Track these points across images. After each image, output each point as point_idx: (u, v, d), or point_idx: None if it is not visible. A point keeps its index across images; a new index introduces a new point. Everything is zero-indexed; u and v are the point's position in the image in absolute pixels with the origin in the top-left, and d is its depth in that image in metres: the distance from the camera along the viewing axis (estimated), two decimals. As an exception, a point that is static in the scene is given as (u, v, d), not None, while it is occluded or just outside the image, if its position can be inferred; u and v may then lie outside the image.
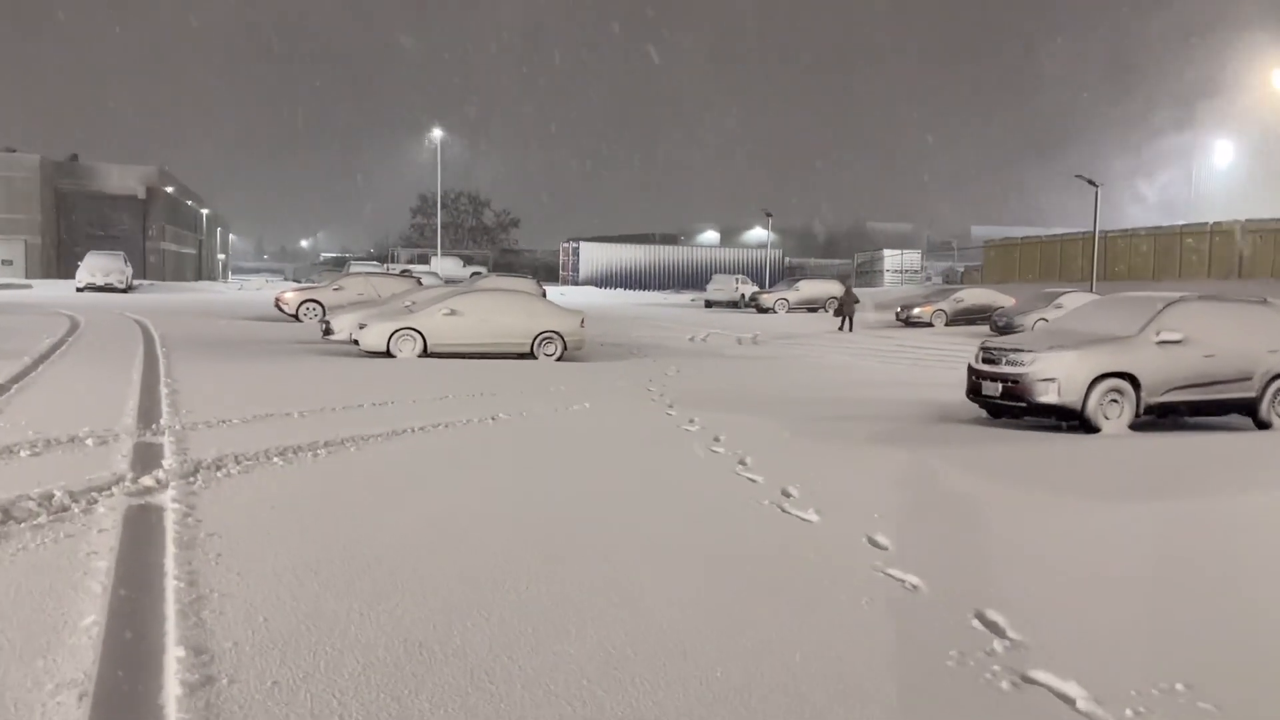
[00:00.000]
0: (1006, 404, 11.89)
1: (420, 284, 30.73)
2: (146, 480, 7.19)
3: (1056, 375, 11.36)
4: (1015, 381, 11.61)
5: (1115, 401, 11.42)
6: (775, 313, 42.51)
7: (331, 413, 10.84)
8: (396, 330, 18.34)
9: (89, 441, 8.67)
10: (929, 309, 34.18)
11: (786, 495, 7.55)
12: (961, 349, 25.79)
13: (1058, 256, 43.01)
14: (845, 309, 33.44)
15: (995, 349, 12.35)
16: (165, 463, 7.88)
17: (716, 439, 9.95)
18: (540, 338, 19.19)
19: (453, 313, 18.70)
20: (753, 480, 8.13)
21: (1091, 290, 33.81)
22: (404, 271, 45.71)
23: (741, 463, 8.82)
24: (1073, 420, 11.45)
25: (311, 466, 8.35)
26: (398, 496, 7.39)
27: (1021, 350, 11.88)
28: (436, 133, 54.22)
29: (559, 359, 19.18)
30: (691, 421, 11.05)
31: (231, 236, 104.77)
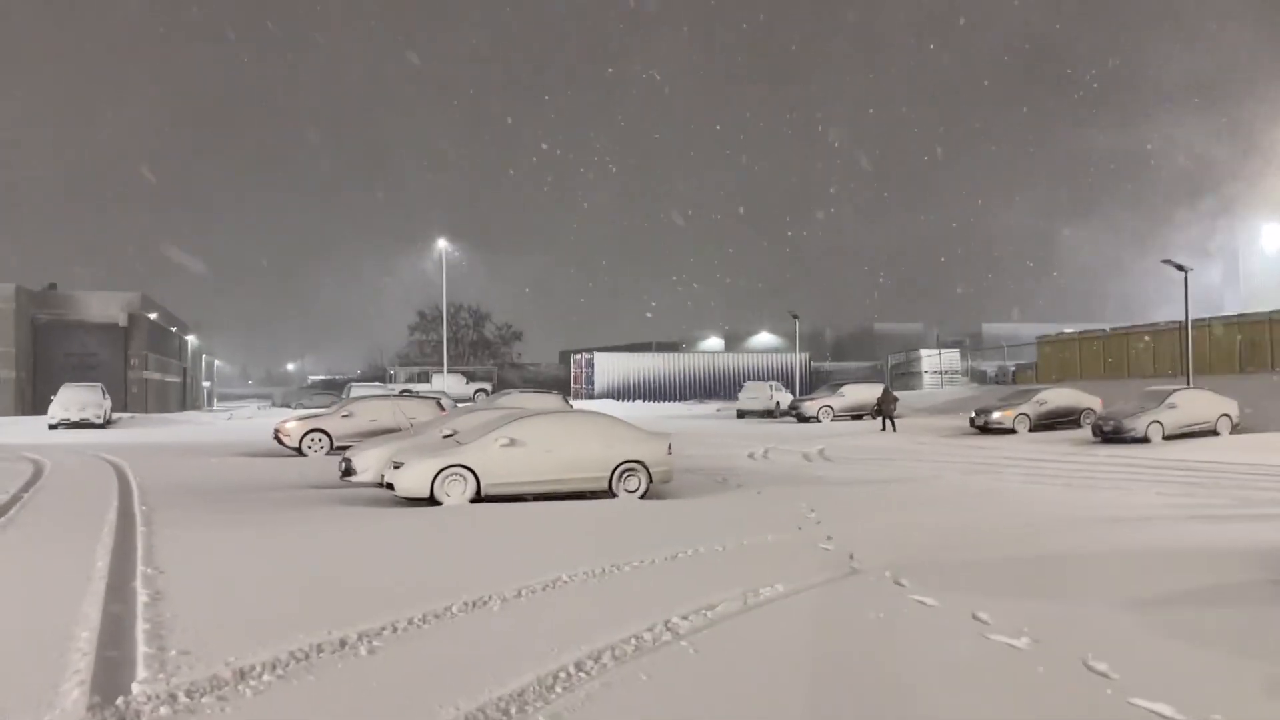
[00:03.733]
0: None
1: (441, 406, 26.90)
2: None
3: None
4: None
5: None
6: (819, 421, 38.87)
7: (410, 632, 6.76)
8: (443, 469, 14.33)
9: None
10: (1010, 413, 30.47)
11: None
12: (1088, 461, 22.15)
13: (1124, 351, 39.56)
14: (885, 409, 33.96)
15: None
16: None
17: (1091, 667, 5.93)
18: (621, 470, 15.21)
19: (512, 442, 14.73)
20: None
21: (1189, 384, 30.27)
22: (404, 391, 41.91)
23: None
24: None
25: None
26: None
27: None
28: (441, 243, 51.11)
29: (643, 496, 15.19)
30: (979, 620, 7.01)
31: (216, 362, 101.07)
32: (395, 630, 6.66)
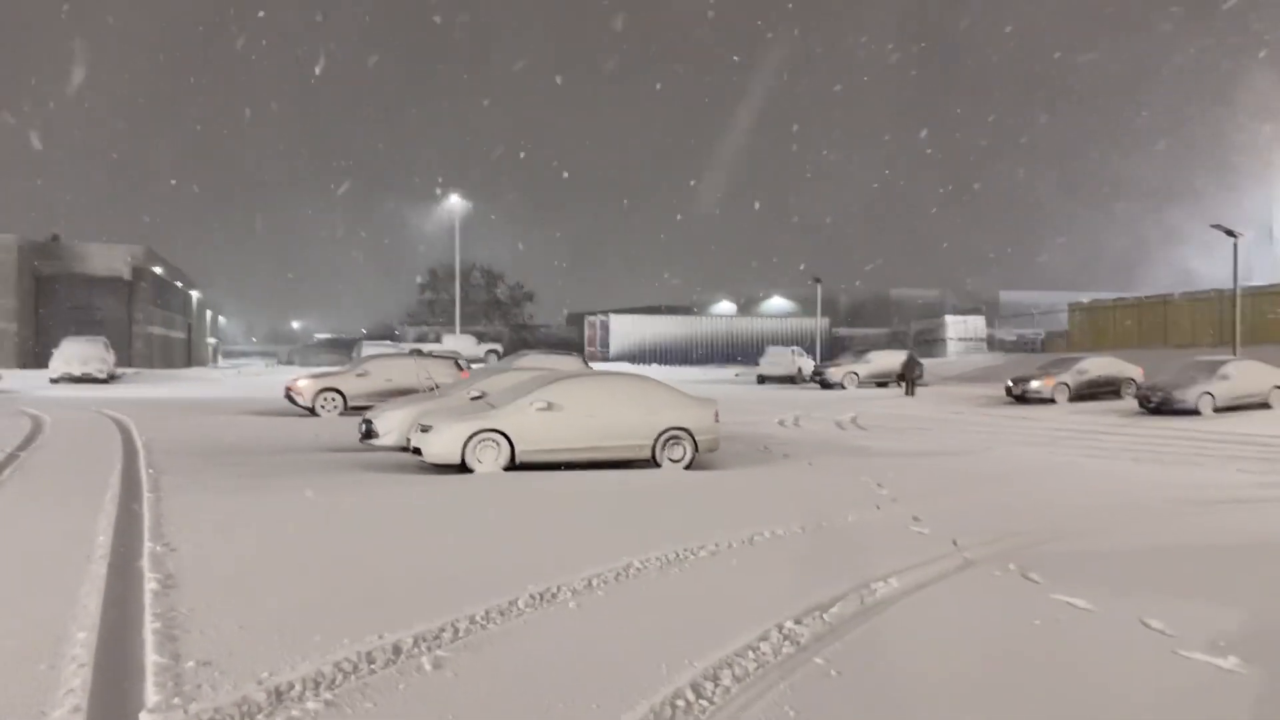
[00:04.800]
0: None
1: (460, 366, 25.75)
2: None
3: None
4: None
5: None
6: (843, 388, 37.72)
7: (475, 635, 5.59)
8: (475, 434, 13.17)
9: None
10: (1050, 382, 29.24)
11: None
12: (1142, 434, 20.84)
13: (1161, 319, 38.24)
14: (909, 375, 34.56)
15: None
16: None
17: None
18: (665, 437, 14.05)
19: (549, 406, 13.56)
20: None
21: (1234, 354, 29.02)
22: (413, 351, 40.70)
23: None
24: None
25: None
26: None
27: None
28: (455, 199, 49.64)
29: (688, 466, 14.05)
30: (1153, 629, 5.83)
31: (221, 319, 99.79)
32: (457, 633, 5.50)
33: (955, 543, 8.42)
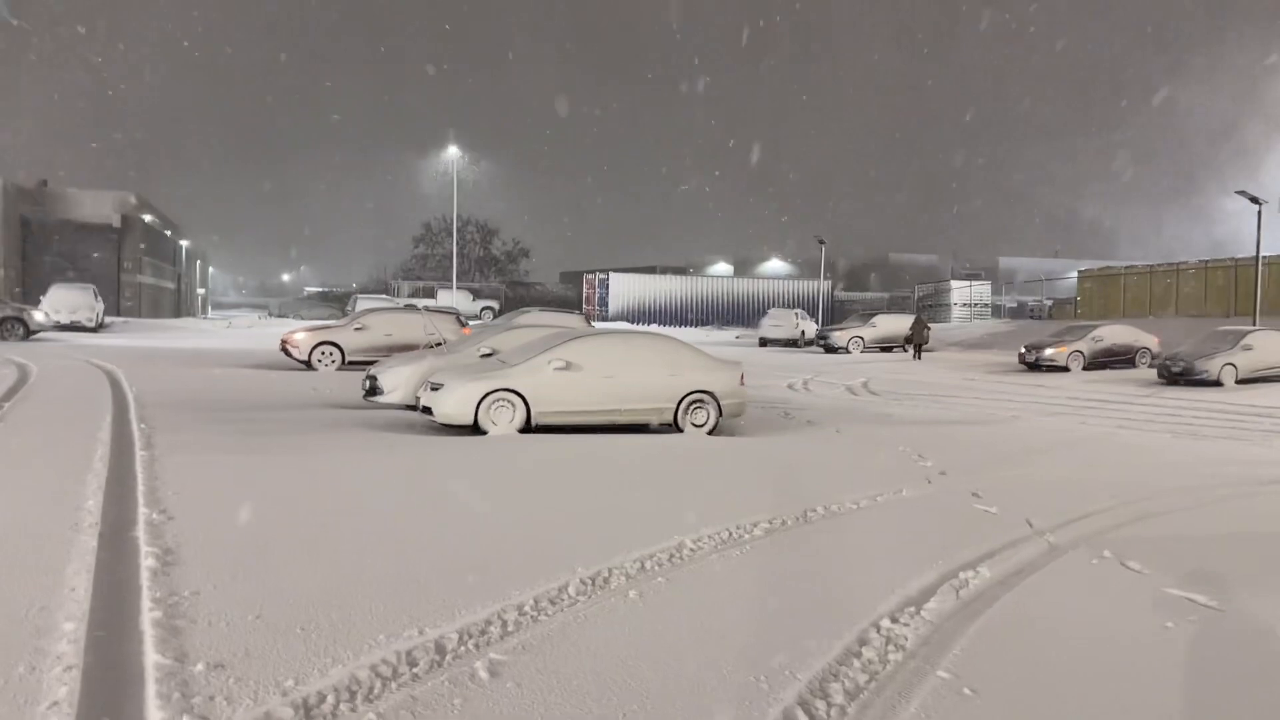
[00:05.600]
0: None
1: (461, 322, 24.90)
2: None
3: None
4: None
5: None
6: (848, 352, 36.95)
7: (528, 630, 4.82)
8: (489, 393, 12.37)
9: None
10: (1064, 349, 28.51)
11: None
12: (1168, 405, 20.01)
13: (1173, 288, 37.52)
14: (916, 339, 34.18)
15: None
16: None
17: None
18: (688, 401, 13.28)
19: (567, 366, 12.75)
20: None
21: (1255, 323, 28.34)
22: (408, 306, 39.71)
23: None
24: None
25: None
26: None
27: None
28: (452, 150, 48.37)
29: (711, 431, 13.29)
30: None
31: (211, 270, 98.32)
32: (506, 628, 4.74)
33: (1030, 524, 7.68)
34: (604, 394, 12.90)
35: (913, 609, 5.31)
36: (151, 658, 4.09)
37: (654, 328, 47.57)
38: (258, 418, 13.02)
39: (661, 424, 13.23)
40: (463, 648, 4.44)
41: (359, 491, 8.19)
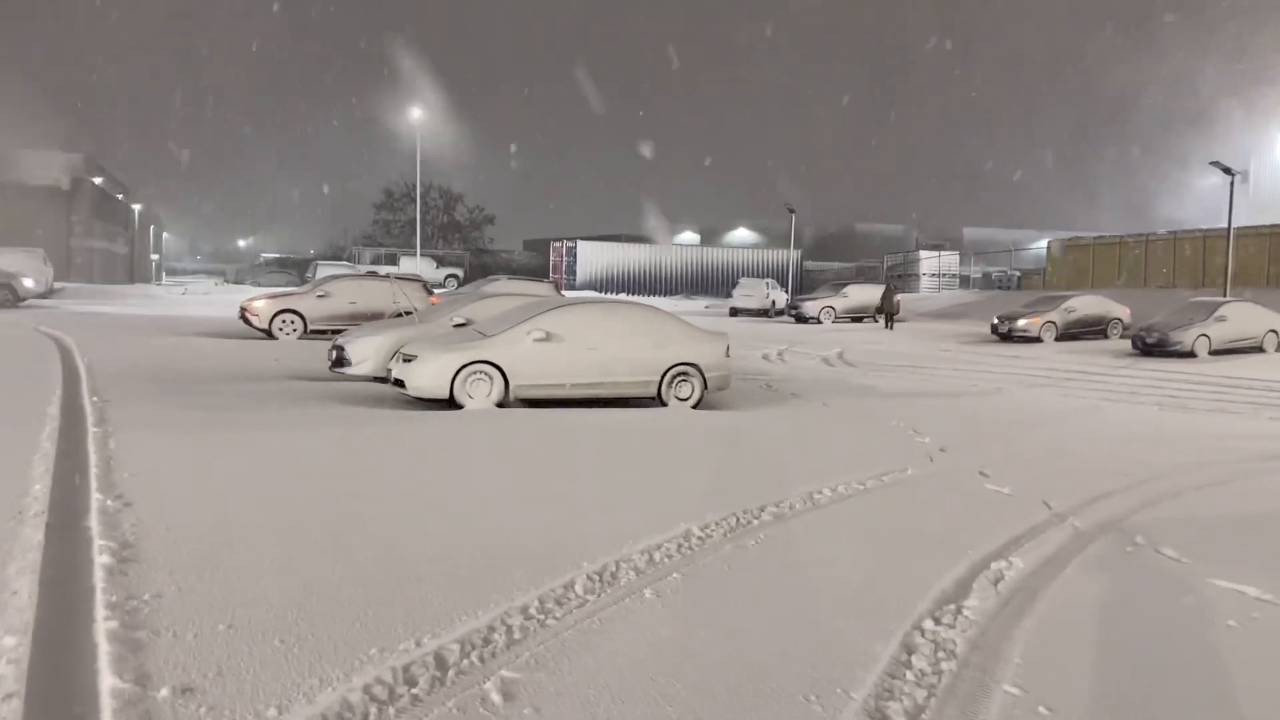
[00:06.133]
0: None
1: (428, 288, 24.19)
2: None
3: None
4: None
5: None
6: (819, 322, 36.64)
7: (537, 636, 4.30)
8: (465, 365, 11.77)
9: None
10: (1037, 320, 28.35)
11: None
12: (1147, 376, 19.63)
13: (1142, 259, 37.55)
14: (887, 309, 34.14)
15: None
16: None
17: None
18: (673, 374, 12.77)
19: (548, 337, 12.18)
20: None
21: (1225, 295, 28.33)
22: (370, 274, 38.71)
23: None
24: None
25: None
26: None
27: None
28: (416, 112, 47.10)
29: (695, 405, 12.80)
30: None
31: (165, 235, 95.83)
32: (512, 635, 4.21)
33: (1049, 506, 7.28)
34: (586, 366, 12.35)
35: (953, 607, 4.87)
36: (107, 681, 3.52)
37: (622, 297, 46.98)
38: (220, 390, 12.34)
39: (643, 398, 12.72)
40: (466, 662, 3.91)
41: (333, 473, 7.60)
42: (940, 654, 4.24)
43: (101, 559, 4.95)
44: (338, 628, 4.17)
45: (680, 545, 5.83)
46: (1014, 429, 11.84)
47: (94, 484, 6.68)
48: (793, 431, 11.13)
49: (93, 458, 7.61)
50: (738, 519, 6.55)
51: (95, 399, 10.85)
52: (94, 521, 5.72)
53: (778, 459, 9.14)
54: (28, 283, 30.35)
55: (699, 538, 6.03)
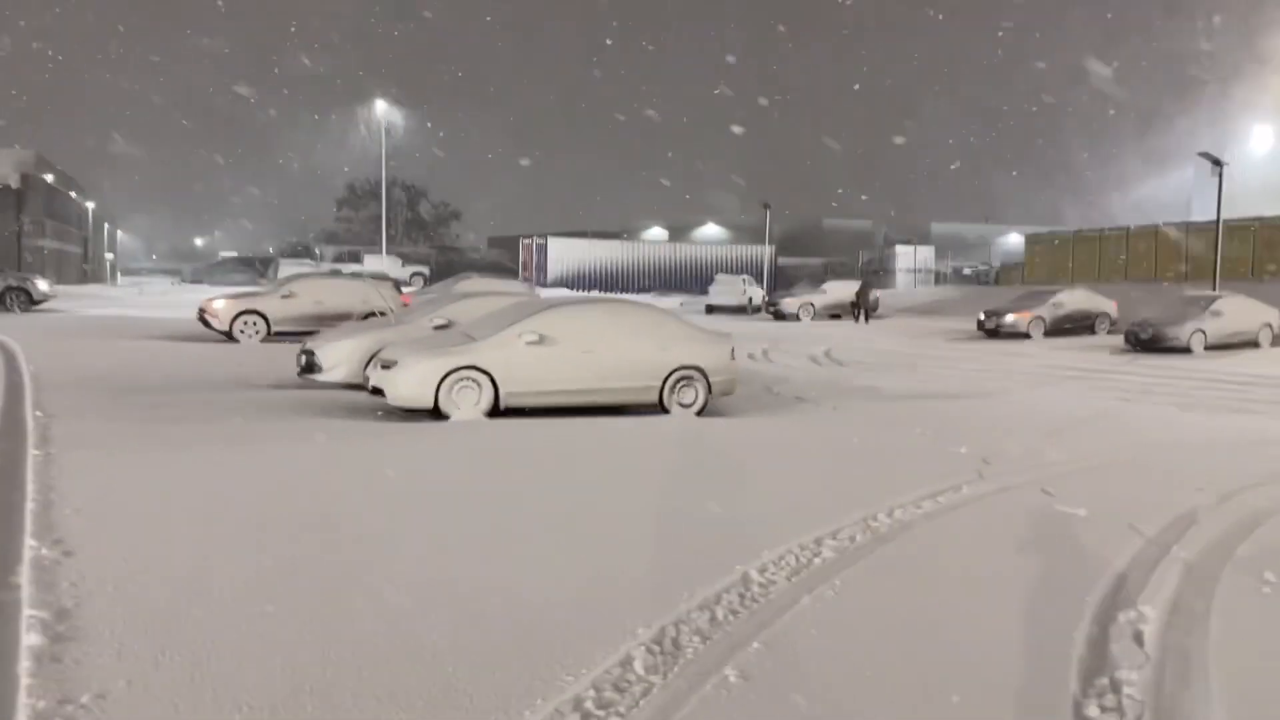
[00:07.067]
0: None
1: (399, 288, 23.06)
2: None
3: None
4: None
5: None
6: (798, 320, 35.79)
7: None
8: (451, 372, 10.72)
9: None
10: (1026, 316, 27.68)
11: None
12: (1147, 373, 18.73)
13: (1121, 253, 37.15)
14: (862, 303, 34.39)
15: None
16: None
17: None
18: (675, 378, 11.79)
19: (540, 340, 11.16)
20: None
21: (1215, 289, 27.86)
22: (333, 272, 37.37)
23: None
24: None
25: None
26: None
27: None
28: (380, 105, 45.73)
29: (700, 411, 11.84)
30: None
31: (120, 234, 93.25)
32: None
33: (1138, 530, 6.39)
34: (582, 371, 11.35)
35: (1105, 681, 3.93)
36: None
37: (594, 294, 45.92)
38: (179, 400, 11.19)
39: (642, 404, 11.74)
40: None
41: (316, 505, 6.53)
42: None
43: (29, 639, 3.88)
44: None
45: (742, 595, 4.87)
46: (1047, 436, 10.98)
47: (29, 525, 5.58)
48: (810, 442, 10.19)
49: (30, 489, 6.50)
50: (796, 557, 5.59)
51: (39, 414, 9.68)
52: (25, 579, 4.64)
53: (811, 477, 8.19)
54: (42, 285, 28.80)
55: (760, 584, 5.06)
